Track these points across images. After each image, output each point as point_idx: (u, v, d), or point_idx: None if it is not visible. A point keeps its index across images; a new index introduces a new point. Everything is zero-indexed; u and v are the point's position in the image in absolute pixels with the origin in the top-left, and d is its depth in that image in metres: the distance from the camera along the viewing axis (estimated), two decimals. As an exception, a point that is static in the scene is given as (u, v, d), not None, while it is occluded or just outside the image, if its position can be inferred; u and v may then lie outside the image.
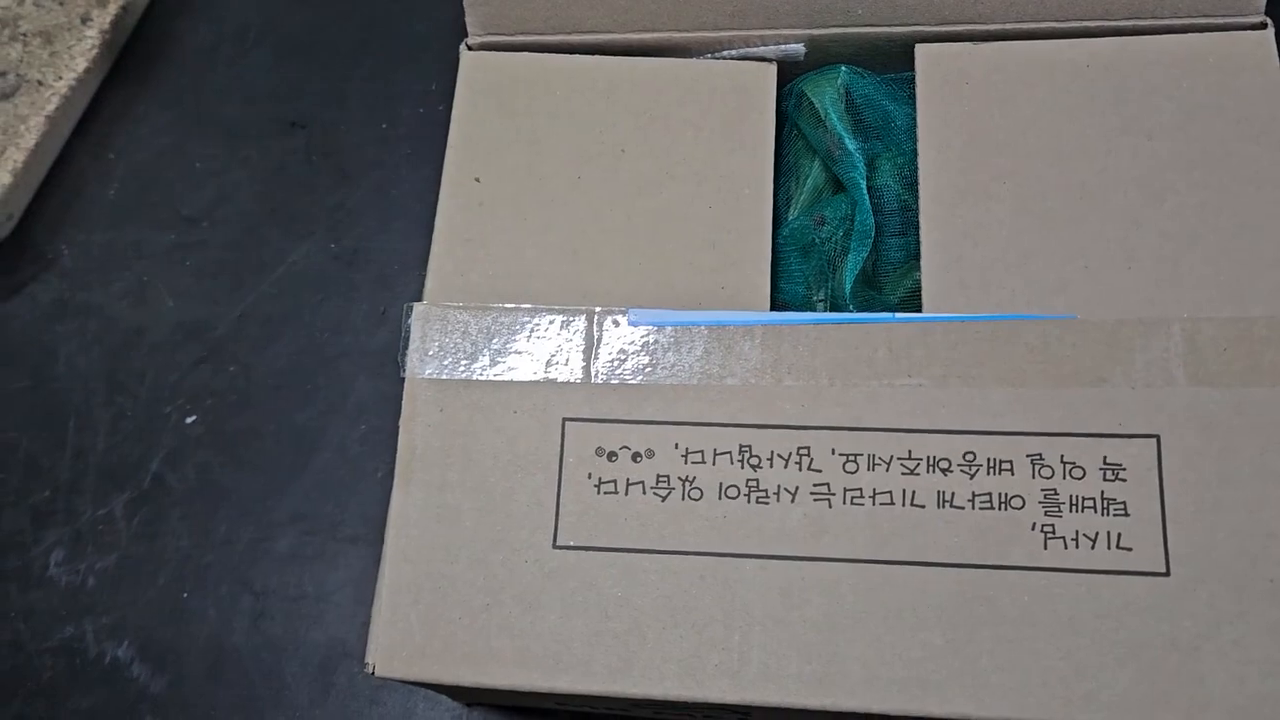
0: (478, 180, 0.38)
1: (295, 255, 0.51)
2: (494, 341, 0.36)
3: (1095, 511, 0.32)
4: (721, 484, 0.34)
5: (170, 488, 0.48)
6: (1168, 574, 0.31)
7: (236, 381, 0.49)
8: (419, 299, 0.37)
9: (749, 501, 0.33)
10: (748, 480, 0.33)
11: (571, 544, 0.33)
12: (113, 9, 0.55)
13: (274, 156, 0.53)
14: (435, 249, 0.37)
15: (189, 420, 0.49)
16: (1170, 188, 0.35)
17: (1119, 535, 0.32)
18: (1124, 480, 0.32)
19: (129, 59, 0.56)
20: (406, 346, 0.36)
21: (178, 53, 0.56)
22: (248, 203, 0.52)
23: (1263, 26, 0.37)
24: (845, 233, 0.38)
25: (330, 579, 0.46)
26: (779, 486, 0.33)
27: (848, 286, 0.37)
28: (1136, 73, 0.37)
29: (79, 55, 0.53)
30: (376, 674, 0.33)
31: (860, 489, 0.33)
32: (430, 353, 0.36)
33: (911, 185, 0.38)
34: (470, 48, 0.41)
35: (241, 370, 0.49)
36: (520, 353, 0.35)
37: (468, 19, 0.41)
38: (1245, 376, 0.33)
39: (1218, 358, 0.33)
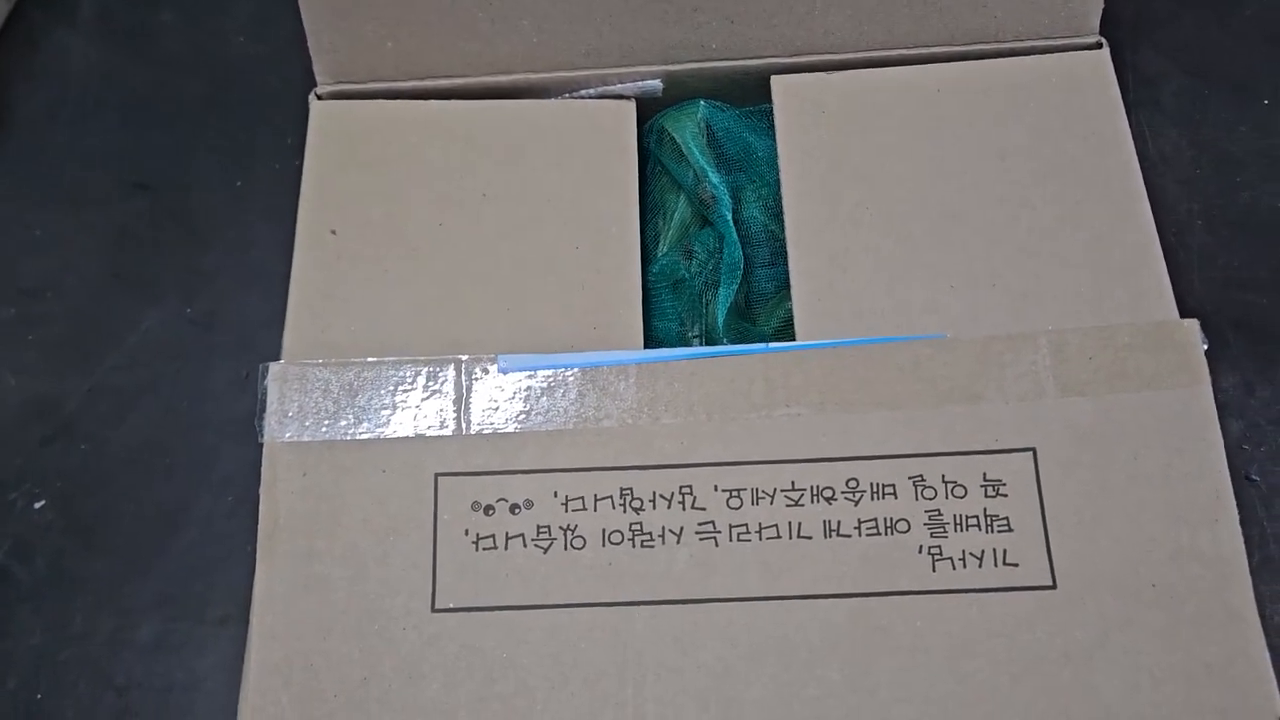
0: (334, 233, 0.37)
1: (147, 322, 0.48)
2: (358, 398, 0.34)
3: (980, 529, 0.32)
4: (604, 530, 0.32)
5: (18, 580, 0.44)
6: (1054, 586, 0.31)
7: (88, 460, 0.46)
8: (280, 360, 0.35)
9: (634, 546, 0.32)
10: (631, 524, 0.32)
11: (451, 606, 0.32)
12: (-63, 75, 0.51)
13: (119, 220, 0.50)
14: (291, 305, 0.36)
15: (37, 506, 0.45)
16: (1025, 204, 0.36)
17: (1004, 551, 0.32)
18: (1005, 495, 0.32)
19: (-42, 127, 0.53)
20: (264, 410, 0.34)
21: (13, 118, 0.53)
22: (93, 270, 0.49)
23: (1098, 46, 0.39)
24: (715, 266, 0.38)
25: (200, 665, 0.43)
26: (663, 528, 0.32)
27: (720, 320, 0.36)
28: (984, 95, 0.38)
29: (-100, 125, 0.50)
30: (247, 765, 0.31)
31: (746, 524, 0.32)
32: (290, 414, 0.34)
33: (777, 215, 0.38)
34: (320, 97, 0.40)
35: (94, 448, 0.46)
36: (386, 408, 0.34)
37: (315, 68, 0.39)
38: (1113, 383, 0.33)
39: (1085, 367, 0.33)
